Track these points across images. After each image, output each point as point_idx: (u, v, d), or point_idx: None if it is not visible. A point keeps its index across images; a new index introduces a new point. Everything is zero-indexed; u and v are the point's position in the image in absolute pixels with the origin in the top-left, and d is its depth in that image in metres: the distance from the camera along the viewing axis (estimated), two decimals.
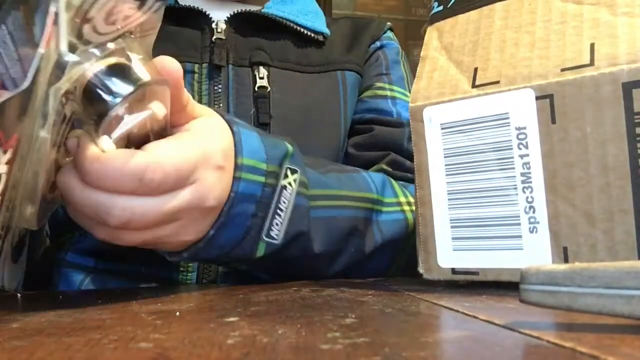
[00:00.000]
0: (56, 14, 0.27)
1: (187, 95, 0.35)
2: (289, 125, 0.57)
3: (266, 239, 0.39)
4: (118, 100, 0.29)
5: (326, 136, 0.60)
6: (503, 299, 0.29)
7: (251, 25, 0.57)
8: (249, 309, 0.28)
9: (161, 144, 0.33)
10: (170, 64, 0.33)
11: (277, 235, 0.40)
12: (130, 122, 0.30)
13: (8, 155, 0.28)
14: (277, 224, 0.40)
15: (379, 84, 0.64)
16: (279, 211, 0.40)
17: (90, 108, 0.30)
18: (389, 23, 0.70)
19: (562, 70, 0.30)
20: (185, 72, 0.54)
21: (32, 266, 0.53)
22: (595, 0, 0.32)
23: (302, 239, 0.42)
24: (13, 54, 0.27)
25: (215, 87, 0.54)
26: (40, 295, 0.38)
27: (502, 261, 0.32)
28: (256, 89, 0.55)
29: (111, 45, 0.30)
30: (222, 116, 0.39)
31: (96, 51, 0.30)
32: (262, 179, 0.39)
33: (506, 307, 0.27)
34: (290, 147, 0.42)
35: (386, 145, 0.60)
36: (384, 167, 0.58)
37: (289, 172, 0.41)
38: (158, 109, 0.32)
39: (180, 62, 0.55)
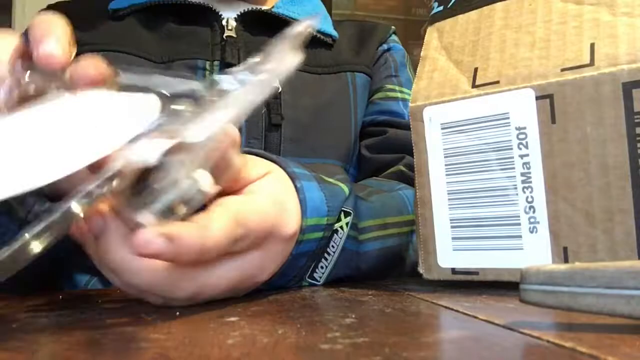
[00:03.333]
0: None
1: (240, 159, 0.31)
2: (299, 126, 0.57)
3: (308, 279, 0.39)
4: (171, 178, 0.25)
5: (336, 137, 0.60)
6: (503, 299, 0.29)
7: (261, 24, 0.57)
8: (249, 309, 0.28)
9: (234, 198, 0.29)
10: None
11: (320, 277, 0.39)
12: (173, 195, 0.25)
13: None
14: (322, 267, 0.39)
15: (389, 86, 0.65)
16: (326, 255, 0.39)
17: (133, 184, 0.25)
18: (392, 27, 0.71)
19: (562, 70, 0.30)
20: (197, 68, 0.53)
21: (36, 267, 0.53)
22: (596, 1, 0.32)
23: (345, 277, 0.41)
24: None
25: None
26: (40, 295, 0.38)
27: (502, 261, 0.32)
28: None
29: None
30: (284, 168, 0.36)
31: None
32: (320, 234, 0.37)
33: (506, 307, 0.27)
34: (347, 190, 0.41)
35: (400, 147, 0.60)
36: (402, 169, 0.58)
37: (342, 216, 0.39)
38: (204, 182, 0.26)
39: (192, 58, 0.55)
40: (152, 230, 0.25)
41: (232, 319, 0.25)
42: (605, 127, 0.29)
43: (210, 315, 0.26)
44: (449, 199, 0.34)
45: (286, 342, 0.20)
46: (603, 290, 0.20)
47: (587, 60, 0.30)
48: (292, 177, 0.36)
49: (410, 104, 0.36)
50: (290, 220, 0.34)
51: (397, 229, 0.46)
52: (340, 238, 0.39)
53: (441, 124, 0.34)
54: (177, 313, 0.27)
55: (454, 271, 0.34)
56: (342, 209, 0.40)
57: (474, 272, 0.33)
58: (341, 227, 0.39)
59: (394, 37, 0.70)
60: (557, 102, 0.30)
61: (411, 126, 0.36)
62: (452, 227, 0.34)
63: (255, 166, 0.34)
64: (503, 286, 0.32)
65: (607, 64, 0.29)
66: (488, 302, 0.29)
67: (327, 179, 0.40)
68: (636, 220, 0.28)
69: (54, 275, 0.53)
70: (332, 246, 0.39)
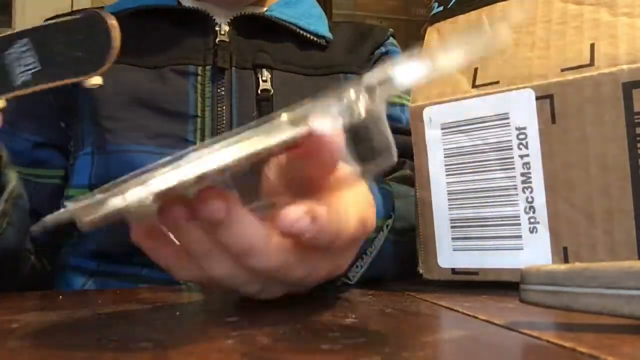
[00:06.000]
0: None
1: None
2: None
3: (342, 278, 0.39)
4: None
5: None
6: (503, 299, 0.29)
7: (254, 27, 0.57)
8: (249, 309, 0.28)
9: (344, 198, 0.29)
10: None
11: (353, 277, 0.39)
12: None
13: None
14: (357, 266, 0.39)
15: None
16: (363, 255, 0.39)
17: None
18: (390, 29, 0.70)
19: (562, 70, 0.30)
20: (189, 74, 0.53)
21: (33, 270, 0.53)
22: (596, 1, 0.32)
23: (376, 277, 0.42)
24: None
25: (219, 90, 0.54)
26: (40, 295, 0.38)
27: (502, 261, 0.32)
28: (259, 92, 0.55)
29: None
30: None
31: None
32: (374, 235, 0.38)
33: (506, 307, 0.27)
34: (390, 187, 0.41)
35: (401, 152, 0.59)
36: (409, 173, 0.58)
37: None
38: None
39: (184, 64, 0.55)
40: (297, 209, 0.24)
41: (232, 319, 0.25)
42: (605, 127, 0.29)
43: (210, 315, 0.26)
44: (449, 199, 0.34)
45: (286, 342, 0.20)
46: (603, 290, 0.20)
47: (587, 61, 0.30)
48: None
49: (410, 104, 0.36)
50: (373, 214, 0.33)
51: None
52: (379, 240, 0.39)
53: (441, 124, 0.34)
54: (178, 313, 0.27)
55: (454, 271, 0.34)
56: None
57: (474, 272, 0.33)
58: (381, 229, 0.40)
59: (391, 40, 0.69)
60: (557, 102, 0.30)
61: (411, 126, 0.36)
62: (452, 227, 0.34)
63: None
64: (503, 286, 0.32)
65: (607, 64, 0.29)
66: (488, 302, 0.29)
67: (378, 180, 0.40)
68: (636, 221, 0.28)
69: (50, 275, 0.53)
70: (372, 247, 0.39)
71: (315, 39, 0.61)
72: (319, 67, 0.61)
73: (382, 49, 0.66)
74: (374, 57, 0.66)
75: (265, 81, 0.55)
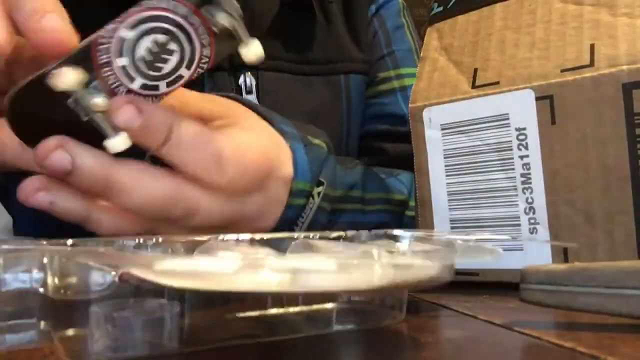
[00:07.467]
0: None
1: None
2: None
3: None
4: None
5: None
6: (503, 299, 0.29)
7: None
8: None
9: (237, 131, 0.28)
10: None
11: None
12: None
13: None
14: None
15: (382, 74, 0.53)
16: (295, 227, 0.35)
17: None
18: None
19: (562, 71, 0.30)
20: None
21: None
22: (595, 1, 0.32)
23: None
24: None
25: None
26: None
27: (502, 262, 0.32)
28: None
29: None
30: (272, 125, 0.33)
31: None
32: (302, 201, 0.34)
33: (506, 307, 0.27)
34: (326, 151, 0.37)
35: (404, 163, 0.50)
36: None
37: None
38: None
39: None
40: (123, 99, 0.24)
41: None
42: (605, 128, 0.29)
43: (211, 314, 0.26)
44: (449, 200, 0.34)
45: (286, 342, 0.20)
46: (602, 289, 0.20)
47: (587, 61, 0.30)
48: (283, 134, 0.33)
49: (409, 105, 0.36)
50: (288, 162, 0.31)
51: (377, 206, 0.42)
52: (311, 209, 0.35)
53: (441, 124, 0.34)
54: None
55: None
56: (319, 178, 0.36)
57: (474, 274, 0.33)
58: (312, 196, 0.35)
59: None
60: (557, 102, 0.30)
61: (411, 127, 0.36)
62: (452, 227, 0.34)
63: (219, 104, 0.30)
64: (503, 286, 0.32)
65: (607, 64, 0.29)
66: (488, 302, 0.29)
67: (311, 140, 0.36)
68: (636, 221, 0.28)
69: None
70: (302, 216, 0.35)
71: None
72: (314, 60, 0.48)
73: (372, 8, 0.55)
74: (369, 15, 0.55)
75: (249, 92, 0.44)
